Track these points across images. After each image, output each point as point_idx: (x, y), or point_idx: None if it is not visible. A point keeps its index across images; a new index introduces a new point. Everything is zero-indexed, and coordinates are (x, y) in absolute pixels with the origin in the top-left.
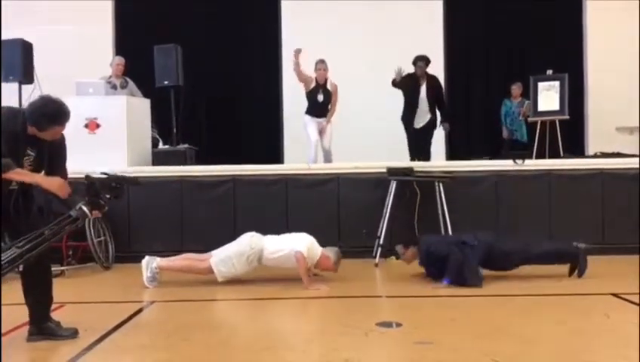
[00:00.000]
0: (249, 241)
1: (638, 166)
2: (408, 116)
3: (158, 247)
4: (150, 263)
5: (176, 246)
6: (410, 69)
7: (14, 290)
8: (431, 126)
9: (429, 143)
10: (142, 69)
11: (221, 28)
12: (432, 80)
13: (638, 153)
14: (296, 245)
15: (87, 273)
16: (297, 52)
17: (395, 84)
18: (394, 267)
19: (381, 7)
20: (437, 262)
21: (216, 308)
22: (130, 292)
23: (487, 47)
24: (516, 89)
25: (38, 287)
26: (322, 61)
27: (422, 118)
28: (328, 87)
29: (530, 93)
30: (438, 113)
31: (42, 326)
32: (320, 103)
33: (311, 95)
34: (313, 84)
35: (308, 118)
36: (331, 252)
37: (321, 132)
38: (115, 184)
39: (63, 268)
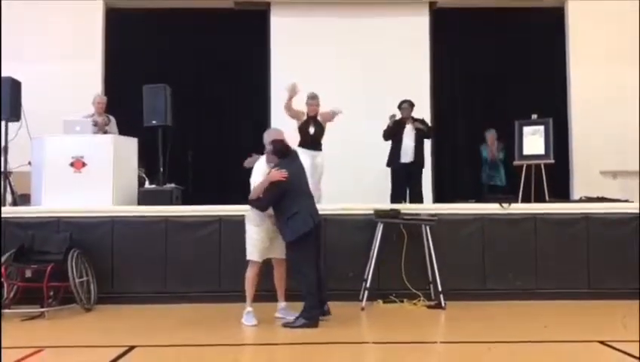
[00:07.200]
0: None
1: (622, 211)
2: (395, 155)
3: (140, 288)
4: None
5: (160, 287)
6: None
7: None
8: (419, 165)
9: (420, 184)
10: (130, 107)
11: (210, 67)
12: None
13: (622, 198)
14: None
15: (68, 314)
16: (293, 90)
17: (387, 134)
18: (381, 311)
19: (370, 56)
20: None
21: (196, 354)
22: (111, 336)
23: (473, 91)
24: (490, 136)
25: None
26: (314, 97)
27: (408, 155)
28: (319, 118)
29: (515, 137)
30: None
31: None
32: (311, 136)
33: (302, 128)
34: (304, 118)
35: (300, 150)
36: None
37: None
38: None
39: (43, 309)
